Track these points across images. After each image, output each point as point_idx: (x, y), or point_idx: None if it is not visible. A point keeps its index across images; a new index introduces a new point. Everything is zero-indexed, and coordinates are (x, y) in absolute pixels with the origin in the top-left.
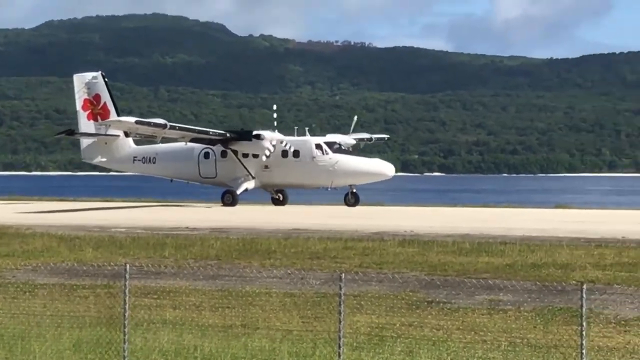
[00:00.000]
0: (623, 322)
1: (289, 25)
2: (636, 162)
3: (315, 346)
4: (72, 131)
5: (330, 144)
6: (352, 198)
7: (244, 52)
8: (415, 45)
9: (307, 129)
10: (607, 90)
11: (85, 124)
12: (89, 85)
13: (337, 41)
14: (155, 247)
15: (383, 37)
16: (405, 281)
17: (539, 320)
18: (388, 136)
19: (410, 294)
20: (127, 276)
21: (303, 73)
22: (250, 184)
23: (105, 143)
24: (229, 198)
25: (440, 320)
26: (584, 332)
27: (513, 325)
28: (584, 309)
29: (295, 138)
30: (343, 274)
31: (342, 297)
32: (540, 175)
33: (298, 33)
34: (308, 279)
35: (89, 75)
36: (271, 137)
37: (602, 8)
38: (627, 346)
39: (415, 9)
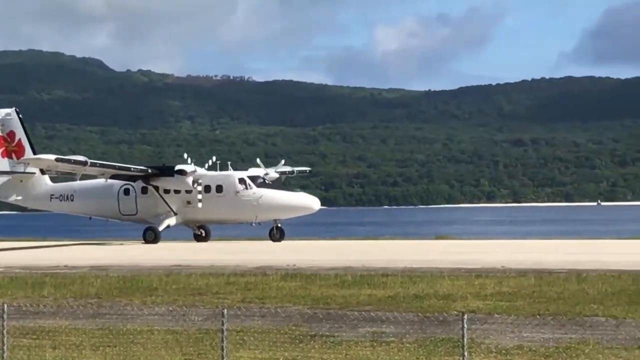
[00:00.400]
0: (504, 351)
1: (167, 60)
2: (514, 192)
3: None
4: None
5: (253, 178)
6: (277, 233)
7: (122, 87)
8: (295, 79)
9: (229, 163)
10: (485, 122)
11: (1, 162)
12: (2, 122)
13: (216, 75)
14: (34, 286)
15: (262, 70)
16: (288, 315)
17: (421, 352)
18: (310, 169)
19: (294, 328)
20: (5, 316)
21: (182, 108)
22: (172, 221)
23: (21, 181)
24: (151, 235)
25: (323, 354)
26: None
27: (396, 357)
28: (465, 339)
29: (218, 173)
30: (225, 310)
31: (225, 333)
32: (421, 206)
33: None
34: (190, 316)
35: (2, 112)
36: (193, 172)
37: (478, 41)
38: None
39: (294, 43)
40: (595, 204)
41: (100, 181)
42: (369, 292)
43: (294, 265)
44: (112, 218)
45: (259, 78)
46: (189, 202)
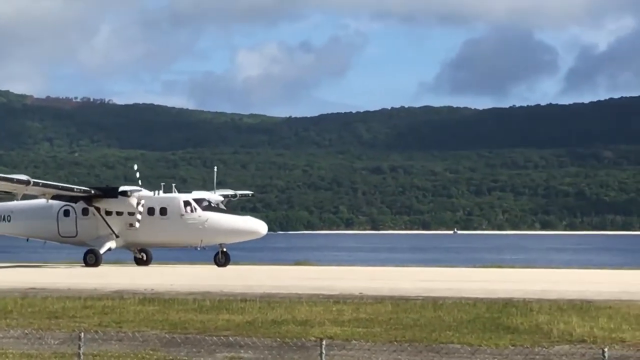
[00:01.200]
0: None
1: (27, 81)
2: (372, 219)
3: None
4: None
5: (198, 201)
6: (222, 257)
7: None
8: (156, 102)
9: (173, 185)
10: (344, 149)
11: None
12: None
13: (76, 97)
14: None
15: (123, 93)
16: (146, 340)
17: None
18: (252, 193)
19: (151, 352)
20: None
21: (41, 129)
22: (113, 243)
23: None
24: (92, 258)
25: None
26: None
27: None
28: None
29: (163, 195)
30: (82, 333)
31: (82, 357)
32: (280, 232)
33: (36, 89)
34: (46, 339)
35: None
36: (138, 194)
37: (340, 69)
38: None
39: (155, 66)
40: (451, 232)
41: (39, 201)
42: (227, 317)
43: (152, 289)
44: (50, 240)
45: (119, 101)
46: (131, 225)
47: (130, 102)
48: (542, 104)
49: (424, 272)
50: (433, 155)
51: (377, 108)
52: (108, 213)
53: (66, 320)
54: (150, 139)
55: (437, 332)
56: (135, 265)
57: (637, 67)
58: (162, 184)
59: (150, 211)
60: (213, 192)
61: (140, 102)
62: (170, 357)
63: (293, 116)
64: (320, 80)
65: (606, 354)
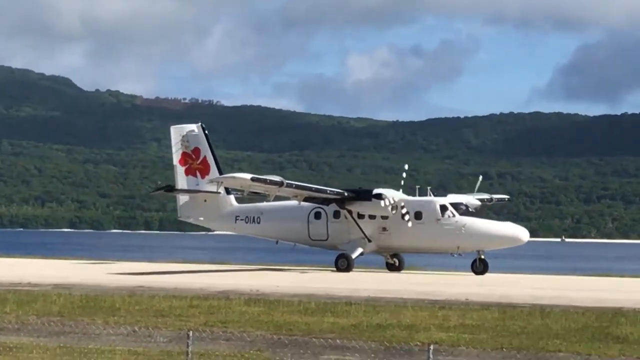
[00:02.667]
0: None
1: (136, 81)
2: None
3: None
4: (172, 187)
5: (455, 205)
6: (480, 265)
7: (90, 106)
8: (264, 105)
9: (429, 188)
10: (452, 154)
11: (183, 180)
12: (187, 138)
13: (185, 98)
14: None
15: (232, 95)
16: (252, 340)
17: None
18: (508, 197)
19: (258, 352)
20: None
21: (150, 130)
22: (365, 248)
23: (205, 200)
24: (344, 263)
25: None
26: None
27: None
28: None
29: (418, 198)
30: (190, 332)
31: (190, 356)
32: None
33: (146, 89)
34: (154, 337)
35: (187, 127)
36: (392, 197)
37: (450, 73)
38: None
39: (265, 68)
40: (559, 239)
41: (289, 203)
42: (332, 320)
43: (257, 290)
44: (300, 242)
45: (228, 102)
46: (384, 229)
47: (239, 103)
48: None
49: (532, 279)
50: (542, 162)
51: (486, 113)
52: (360, 216)
53: (172, 319)
54: (257, 141)
55: (545, 340)
56: (387, 271)
57: None
58: (417, 187)
59: (405, 215)
60: (469, 195)
61: (248, 104)
62: (277, 358)
63: (400, 120)
64: (430, 85)
65: None
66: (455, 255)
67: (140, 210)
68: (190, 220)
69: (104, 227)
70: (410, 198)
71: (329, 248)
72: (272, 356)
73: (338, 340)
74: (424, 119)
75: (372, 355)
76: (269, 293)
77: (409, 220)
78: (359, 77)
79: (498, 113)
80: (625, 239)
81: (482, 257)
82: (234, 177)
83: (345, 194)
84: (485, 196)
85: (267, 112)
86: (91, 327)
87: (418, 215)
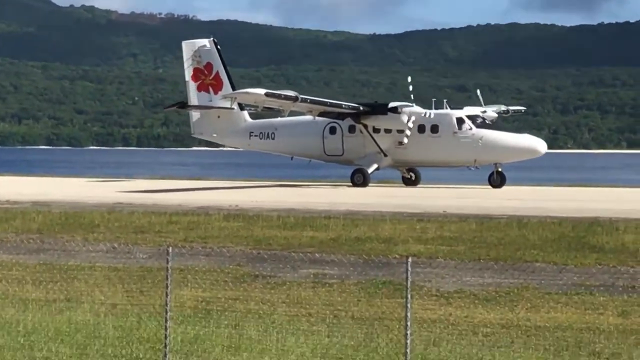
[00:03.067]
0: (445, 295)
1: None
2: None
3: (140, 320)
4: (184, 104)
5: (472, 118)
6: (497, 178)
7: (65, 22)
8: (240, 19)
9: (445, 101)
10: (429, 67)
11: (195, 96)
12: (199, 53)
13: (160, 13)
14: None
15: (208, 9)
16: (232, 255)
17: (363, 293)
18: (524, 108)
19: (237, 267)
20: None
21: (126, 45)
22: (382, 162)
23: (218, 116)
24: (360, 178)
25: (266, 294)
26: (408, 305)
27: (338, 299)
28: (409, 282)
29: (435, 111)
30: (170, 248)
31: (169, 271)
32: None
33: (121, 4)
34: (134, 253)
35: (199, 43)
36: (409, 111)
37: None
38: (449, 318)
39: None
40: None
41: (304, 118)
42: (312, 234)
43: (236, 205)
44: (315, 158)
45: (204, 17)
46: (400, 143)
47: (215, 18)
48: (632, 20)
49: (509, 191)
50: (519, 74)
51: (463, 25)
52: (376, 130)
53: (152, 235)
54: (234, 56)
55: (522, 251)
56: (404, 185)
57: None
58: (434, 99)
59: (421, 129)
60: (484, 108)
61: (225, 18)
62: (256, 273)
63: (377, 33)
64: None
65: None
66: (472, 169)
67: (118, 126)
68: (204, 137)
69: (82, 144)
70: (427, 111)
71: (344, 163)
72: (251, 270)
73: (317, 254)
74: (401, 31)
75: (351, 268)
76: (248, 208)
77: (425, 133)
78: None
79: (475, 25)
80: (602, 149)
81: (500, 169)
82: (247, 93)
83: (361, 108)
84: (502, 108)
85: (244, 26)
86: (70, 244)
87: (434, 129)
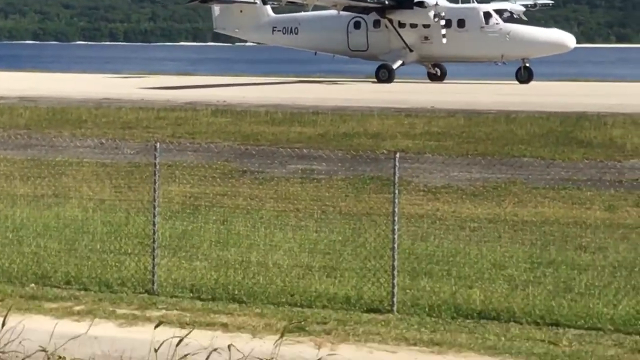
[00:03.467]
0: (433, 190)
1: None
2: None
3: (128, 215)
4: None
5: (499, 12)
6: (525, 73)
7: None
8: None
9: None
10: None
11: None
12: None
13: None
14: None
15: None
16: (220, 151)
17: (350, 189)
18: (553, 1)
19: (225, 163)
20: None
21: None
22: (407, 58)
23: (241, 11)
24: (385, 73)
25: (254, 190)
26: (396, 200)
27: (326, 194)
28: (396, 177)
29: (461, 5)
30: (158, 144)
31: (157, 167)
32: None
33: None
34: (122, 149)
35: None
36: (435, 4)
37: None
38: (436, 213)
39: None
40: None
41: (328, 12)
42: (299, 130)
43: (224, 101)
44: (339, 53)
45: None
46: (426, 38)
47: None
48: None
49: (497, 86)
50: None
51: None
52: (401, 25)
53: (139, 130)
54: None
55: (510, 146)
56: (429, 81)
57: None
58: None
59: (448, 23)
60: (513, 1)
61: None
62: (244, 169)
63: None
64: None
65: None
66: (499, 64)
67: (105, 21)
68: (226, 32)
69: (69, 39)
70: (453, 5)
71: (369, 58)
72: (239, 166)
73: (305, 150)
74: None
75: (339, 163)
76: (236, 104)
77: (451, 27)
78: None
79: None
80: (591, 44)
81: (527, 64)
82: None
83: (386, 2)
84: (529, 1)
85: None
86: (58, 139)
87: (461, 23)
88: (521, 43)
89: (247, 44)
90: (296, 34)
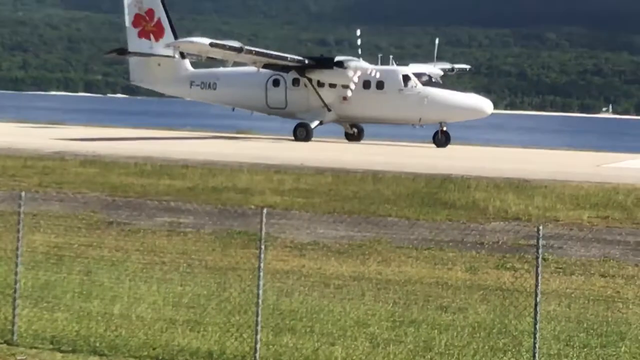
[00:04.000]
0: (299, 246)
1: None
2: None
3: None
4: (124, 50)
5: (418, 75)
6: (442, 137)
7: None
8: None
9: (391, 57)
10: (291, 20)
11: (136, 43)
12: None
13: None
14: None
15: None
16: (87, 201)
17: (218, 243)
18: (470, 67)
19: (92, 214)
20: None
21: None
22: (325, 117)
23: (159, 64)
24: (302, 132)
25: (120, 241)
26: (262, 255)
27: (192, 247)
28: (263, 232)
29: (380, 67)
30: (23, 193)
31: (22, 216)
32: None
33: None
34: None
35: None
36: (355, 66)
37: None
38: (302, 269)
39: None
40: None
41: (246, 69)
42: (169, 182)
43: (94, 151)
44: (257, 110)
45: None
46: (344, 98)
47: None
48: None
49: (366, 147)
50: (378, 30)
51: None
52: (320, 84)
53: (6, 179)
54: (96, 1)
55: (376, 205)
56: (346, 140)
57: None
58: (380, 55)
59: (366, 84)
60: (430, 64)
61: None
62: (111, 220)
63: None
64: None
65: (541, 231)
66: (417, 127)
67: None
68: (143, 85)
69: None
70: (372, 66)
71: (285, 117)
72: (106, 217)
73: (173, 203)
74: None
75: (207, 217)
76: (105, 155)
77: (370, 89)
78: None
79: None
80: None
81: (444, 128)
82: (191, 42)
83: (306, 61)
84: (447, 66)
85: None
86: None
87: (380, 85)
88: (439, 107)
89: (118, 95)
90: (214, 89)
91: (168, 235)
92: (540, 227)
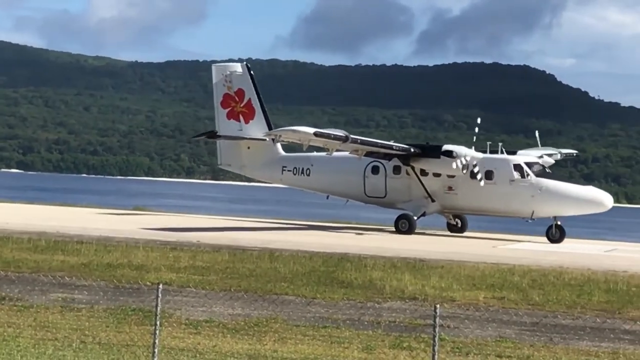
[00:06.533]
0: (194, 324)
1: None
2: (213, 169)
3: None
4: (214, 133)
5: (530, 165)
6: (556, 232)
7: None
8: (2, 39)
9: (500, 144)
10: (190, 97)
11: (225, 124)
12: (230, 78)
13: None
14: None
15: None
16: None
17: (112, 320)
18: (577, 152)
19: None
20: None
21: None
22: (429, 208)
23: (249, 148)
24: (405, 224)
25: (11, 317)
26: (157, 332)
27: (86, 324)
28: (158, 309)
29: (490, 156)
30: None
31: None
32: (120, 177)
33: None
34: None
35: (230, 67)
36: (464, 154)
37: (196, 17)
38: (197, 347)
39: (9, 1)
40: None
41: (343, 154)
42: (62, 258)
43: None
44: (354, 199)
45: None
46: (450, 188)
47: None
48: (388, 64)
49: (261, 224)
50: (277, 109)
51: (225, 58)
52: (424, 173)
53: None
54: None
55: (273, 283)
56: (448, 232)
57: (487, 33)
58: (489, 143)
59: (474, 174)
60: (536, 150)
61: None
62: (3, 295)
63: (139, 61)
64: (175, 27)
65: (438, 310)
66: (529, 220)
67: None
68: (232, 169)
69: None
70: (482, 155)
71: (384, 206)
72: None
73: (67, 278)
74: (163, 60)
75: (101, 293)
76: None
77: (481, 179)
78: (104, 15)
79: (237, 58)
80: None
81: (559, 223)
82: (294, 131)
83: (412, 149)
84: (553, 151)
85: (4, 45)
86: None
87: (489, 175)
88: (554, 200)
89: (12, 170)
90: (308, 175)
91: (61, 311)
92: (438, 306)
